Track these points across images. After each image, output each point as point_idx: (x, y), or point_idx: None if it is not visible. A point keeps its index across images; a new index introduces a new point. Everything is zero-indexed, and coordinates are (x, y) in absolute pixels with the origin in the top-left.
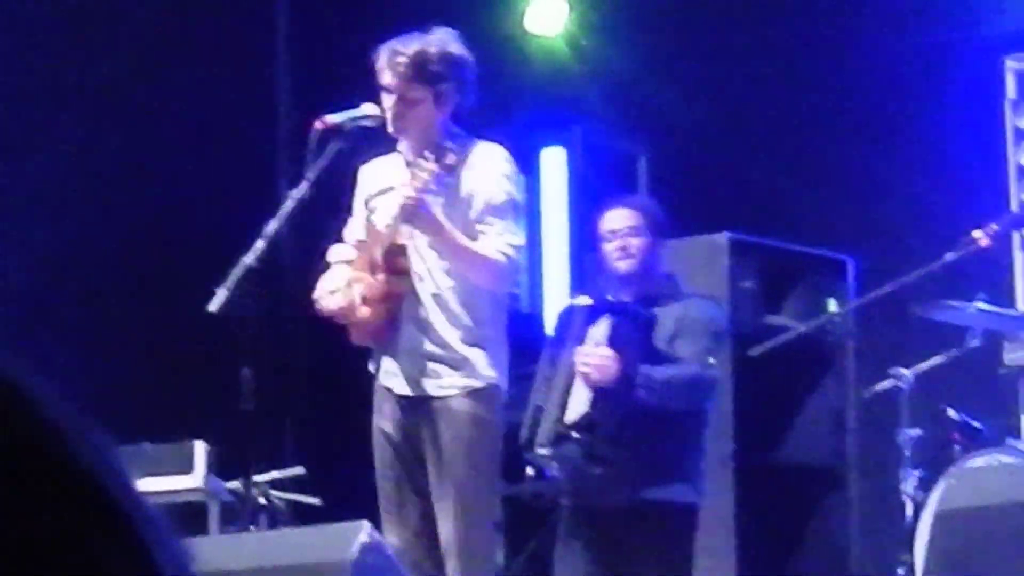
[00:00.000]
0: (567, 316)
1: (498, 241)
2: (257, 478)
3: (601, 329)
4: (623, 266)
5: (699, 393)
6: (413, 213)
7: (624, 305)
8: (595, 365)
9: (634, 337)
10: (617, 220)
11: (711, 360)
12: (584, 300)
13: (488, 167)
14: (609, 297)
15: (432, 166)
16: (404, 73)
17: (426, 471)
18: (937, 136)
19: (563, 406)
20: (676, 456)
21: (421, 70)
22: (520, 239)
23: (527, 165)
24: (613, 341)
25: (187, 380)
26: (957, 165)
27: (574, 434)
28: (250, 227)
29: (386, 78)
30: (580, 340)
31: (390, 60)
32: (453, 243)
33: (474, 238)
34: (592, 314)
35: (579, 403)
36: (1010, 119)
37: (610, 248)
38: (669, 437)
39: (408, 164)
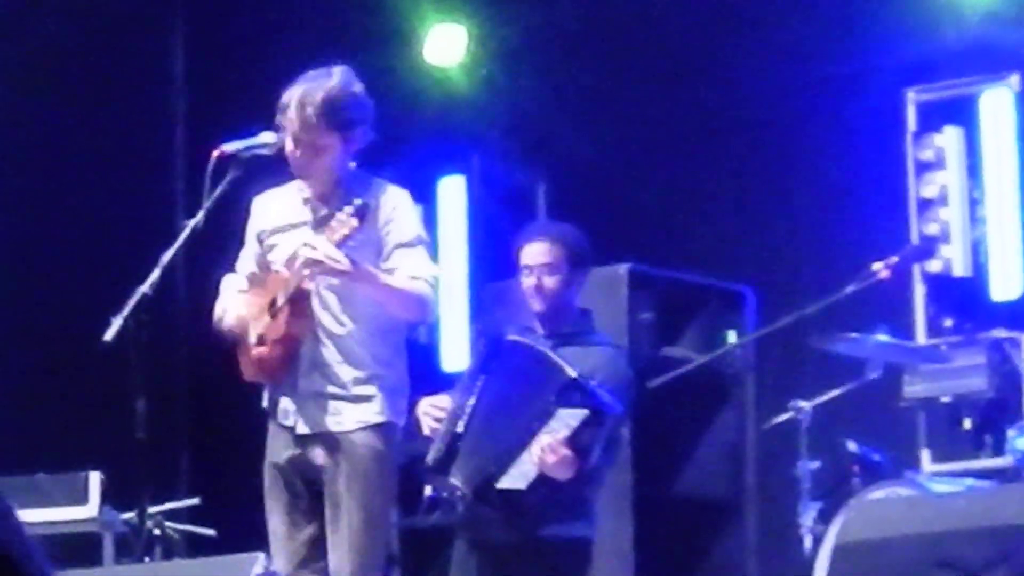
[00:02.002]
0: (496, 349)
1: (415, 272)
2: (152, 509)
3: (574, 418)
4: (533, 304)
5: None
6: (331, 270)
7: (602, 403)
8: (556, 461)
9: (596, 440)
10: (533, 255)
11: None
12: (556, 361)
13: (393, 209)
14: (592, 383)
15: (353, 222)
16: (314, 124)
17: (317, 500)
18: (838, 168)
19: (500, 466)
20: (574, 496)
21: (331, 118)
22: (438, 270)
23: (425, 194)
24: (582, 437)
25: (81, 410)
26: (858, 197)
27: (497, 501)
28: (146, 255)
29: (293, 126)
30: (546, 414)
31: (298, 110)
32: (377, 284)
33: None
34: (567, 392)
35: (518, 477)
36: (911, 151)
37: (526, 284)
38: (571, 482)
39: (309, 205)
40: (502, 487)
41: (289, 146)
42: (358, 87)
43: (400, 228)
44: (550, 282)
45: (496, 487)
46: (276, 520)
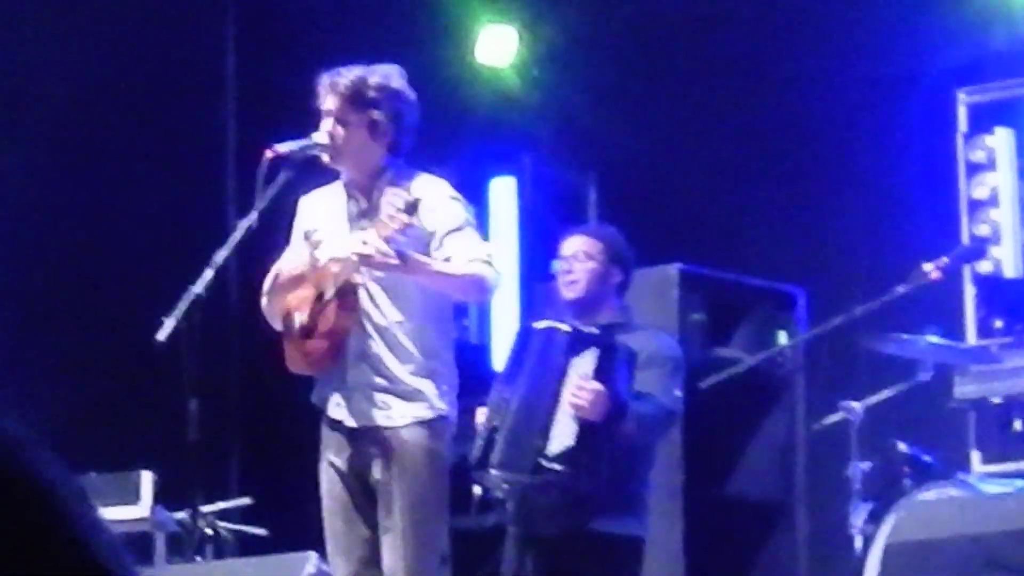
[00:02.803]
0: (533, 339)
1: (471, 254)
2: (204, 509)
3: (587, 361)
4: (565, 293)
5: (670, 426)
6: (381, 264)
7: (607, 338)
8: (587, 400)
9: (620, 372)
10: (569, 246)
11: (677, 393)
12: (557, 325)
13: (436, 200)
14: (593, 329)
15: (404, 217)
16: (341, 95)
17: (374, 502)
18: (889, 168)
19: (544, 436)
20: (624, 489)
21: (357, 95)
22: (491, 248)
23: (476, 195)
24: (600, 375)
25: (134, 410)
26: (909, 198)
27: (556, 466)
28: (199, 256)
29: (325, 101)
30: (562, 370)
31: (330, 82)
32: (431, 273)
33: None
34: (573, 344)
35: (564, 436)
36: (962, 152)
37: (559, 273)
38: (619, 470)
39: (351, 196)
40: (553, 453)
41: (325, 124)
42: (397, 82)
43: (446, 216)
44: (581, 268)
45: (548, 456)
46: (336, 521)
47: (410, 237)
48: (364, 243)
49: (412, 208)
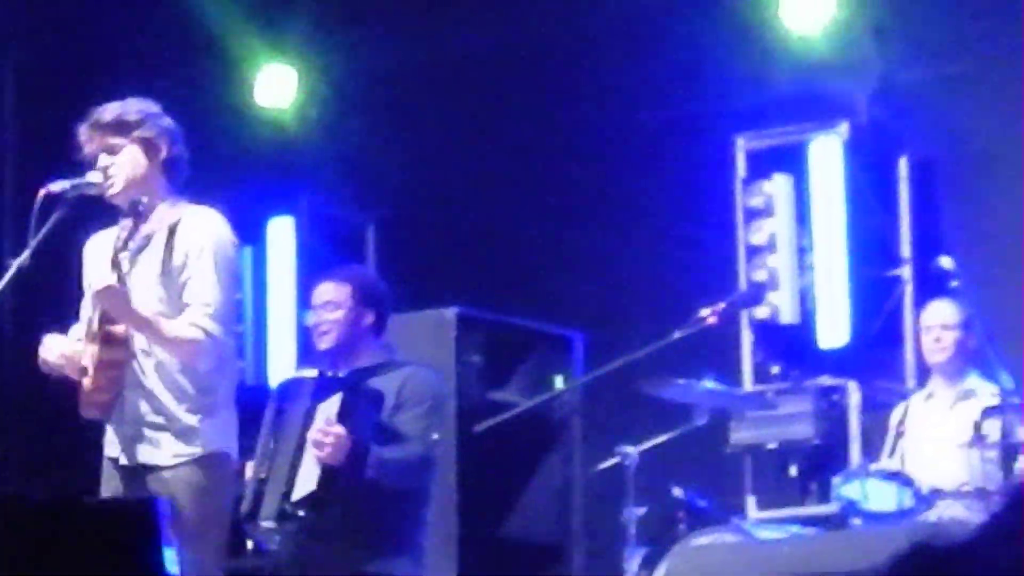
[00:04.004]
0: (289, 388)
1: (195, 316)
2: None
3: (332, 405)
4: (319, 344)
5: (425, 472)
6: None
7: (353, 381)
8: (328, 443)
9: (364, 415)
10: (317, 296)
11: (435, 436)
12: (310, 373)
13: (199, 233)
14: (339, 373)
15: (127, 222)
16: (105, 126)
17: None
18: (668, 213)
19: (290, 482)
20: (397, 530)
21: (120, 122)
22: (221, 306)
23: (255, 235)
24: (344, 418)
25: None
26: (688, 243)
27: (300, 512)
28: None
29: (91, 143)
30: (308, 415)
31: (91, 123)
32: (146, 328)
33: (183, 308)
34: (320, 389)
35: (306, 481)
36: (740, 198)
37: (311, 325)
38: (390, 512)
39: (123, 228)
40: (296, 498)
41: (100, 164)
42: (158, 109)
43: (199, 253)
44: (331, 318)
45: (292, 502)
46: None
47: (165, 267)
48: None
49: (134, 210)
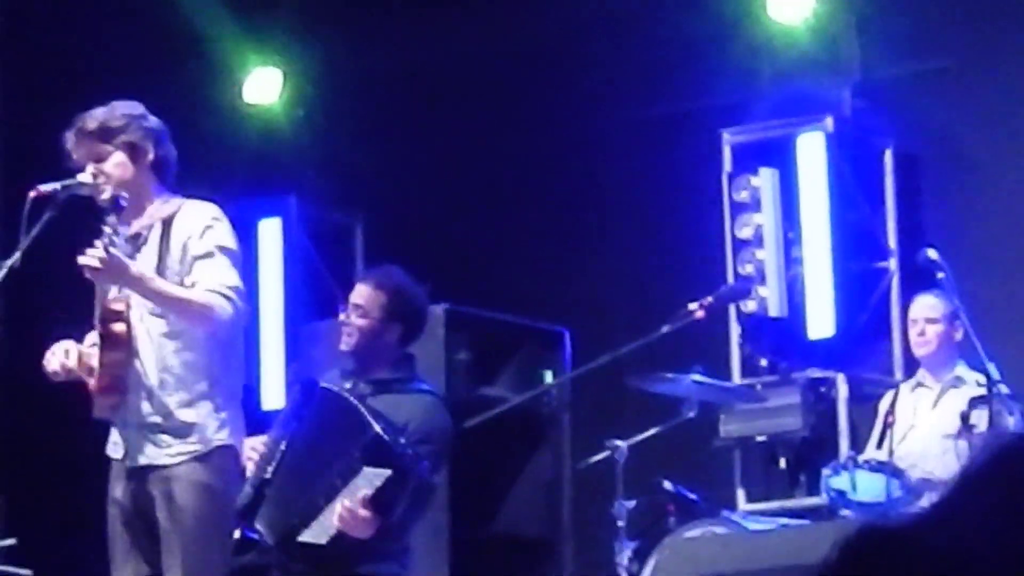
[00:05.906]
0: (311, 395)
1: (210, 284)
2: None
3: (377, 478)
4: (342, 344)
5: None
6: (105, 272)
7: (406, 463)
8: (355, 524)
9: (401, 498)
10: (355, 294)
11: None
12: (366, 417)
13: (196, 220)
14: (401, 440)
15: (112, 219)
16: (91, 133)
17: (157, 540)
18: (656, 208)
19: (304, 518)
20: (385, 536)
21: (105, 128)
22: (234, 280)
23: (244, 237)
24: (383, 500)
25: None
26: (675, 237)
27: (299, 555)
28: None
29: (78, 150)
30: (351, 471)
31: (76, 130)
32: (161, 292)
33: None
34: (375, 450)
35: (320, 531)
36: (727, 192)
37: (342, 320)
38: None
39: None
40: (303, 540)
41: (89, 169)
42: (143, 110)
43: (197, 239)
44: (358, 323)
45: (298, 540)
46: (116, 560)
47: (161, 256)
48: (88, 254)
49: (116, 204)
